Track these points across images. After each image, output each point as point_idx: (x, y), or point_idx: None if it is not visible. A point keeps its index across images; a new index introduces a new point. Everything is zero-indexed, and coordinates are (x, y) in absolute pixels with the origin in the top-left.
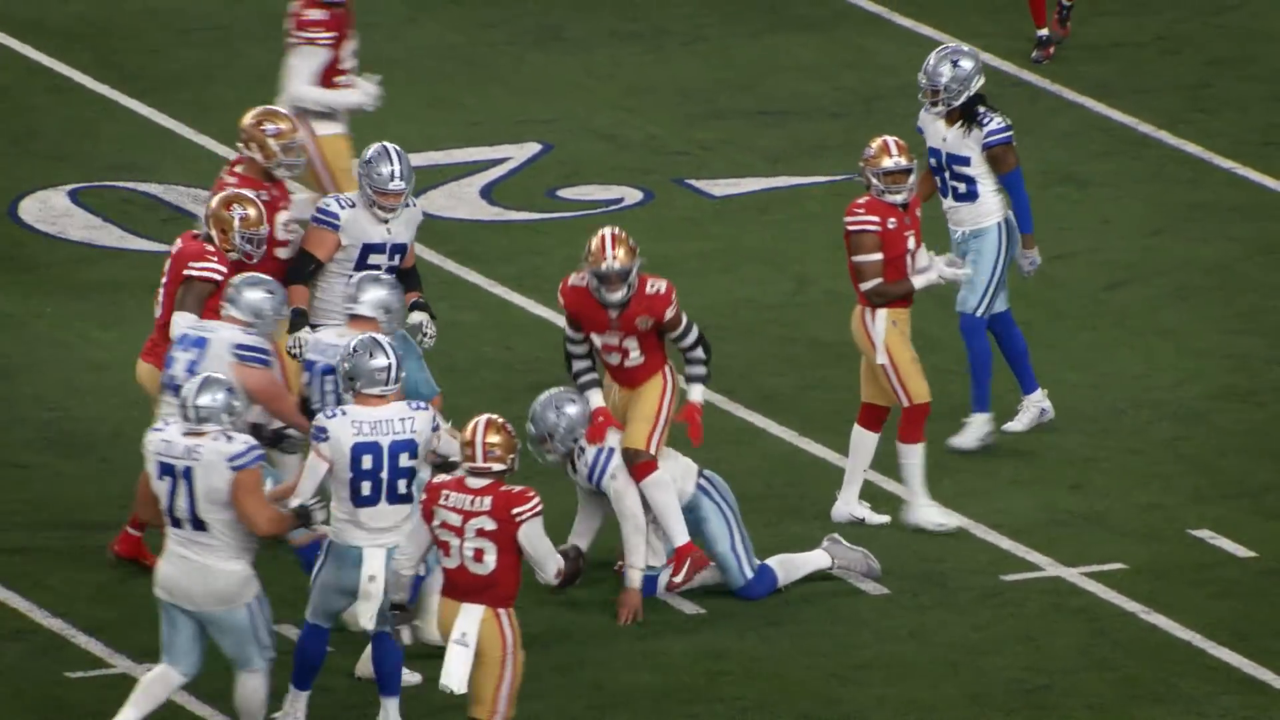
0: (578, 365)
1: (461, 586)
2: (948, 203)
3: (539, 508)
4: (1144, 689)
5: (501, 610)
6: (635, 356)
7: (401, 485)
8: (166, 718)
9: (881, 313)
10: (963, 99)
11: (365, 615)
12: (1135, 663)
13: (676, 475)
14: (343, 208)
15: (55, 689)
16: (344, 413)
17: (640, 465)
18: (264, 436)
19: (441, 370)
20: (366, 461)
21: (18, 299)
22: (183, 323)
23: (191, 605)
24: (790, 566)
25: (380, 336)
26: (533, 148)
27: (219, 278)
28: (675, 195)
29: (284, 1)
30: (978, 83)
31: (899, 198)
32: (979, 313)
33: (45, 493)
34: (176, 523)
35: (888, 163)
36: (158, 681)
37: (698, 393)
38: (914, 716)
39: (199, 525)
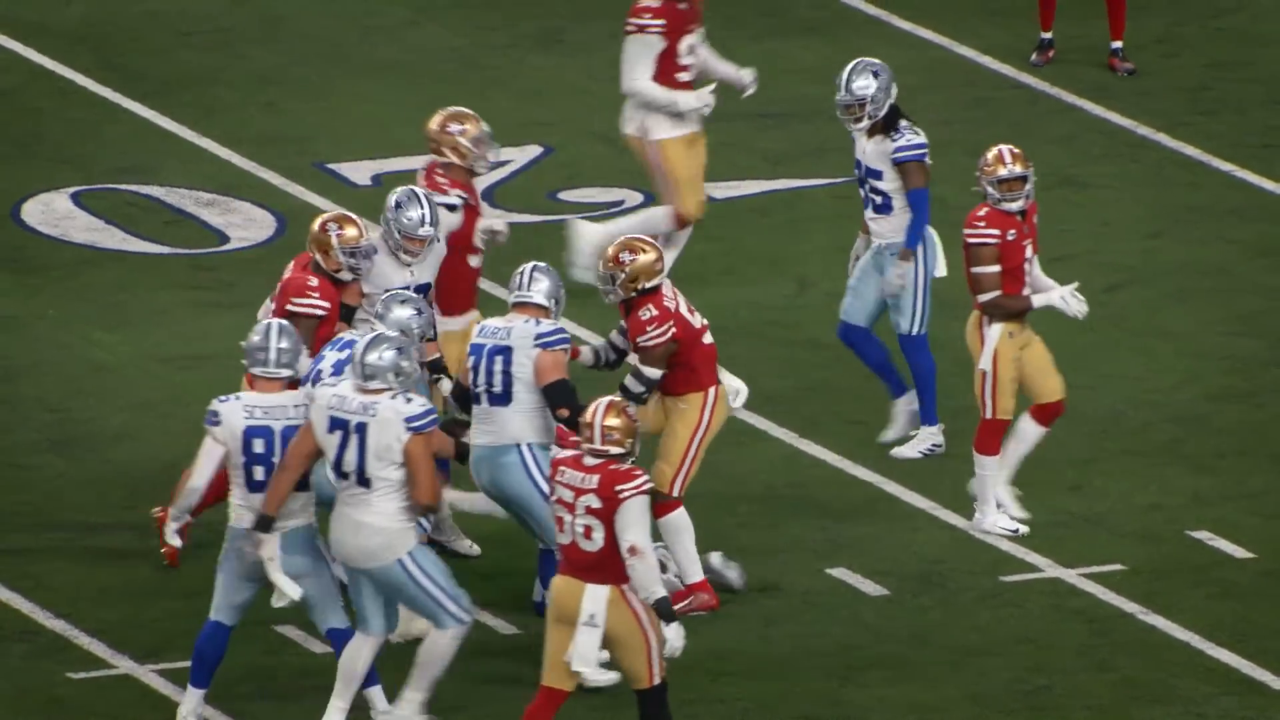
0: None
1: (575, 563)
2: (868, 214)
3: (645, 486)
4: (1143, 690)
5: (625, 586)
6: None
7: (259, 471)
8: None
9: (999, 323)
10: (885, 110)
11: (276, 597)
12: (1134, 663)
13: None
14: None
15: (57, 689)
16: (237, 398)
17: (660, 505)
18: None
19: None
20: (258, 445)
21: (21, 301)
22: None
23: (351, 563)
24: None
25: (281, 322)
26: (534, 150)
27: (322, 312)
28: None
29: (285, 4)
30: (895, 92)
31: (1015, 205)
32: (914, 331)
33: (48, 494)
34: (343, 476)
35: (1003, 171)
36: (353, 655)
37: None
38: (914, 717)
39: (364, 481)
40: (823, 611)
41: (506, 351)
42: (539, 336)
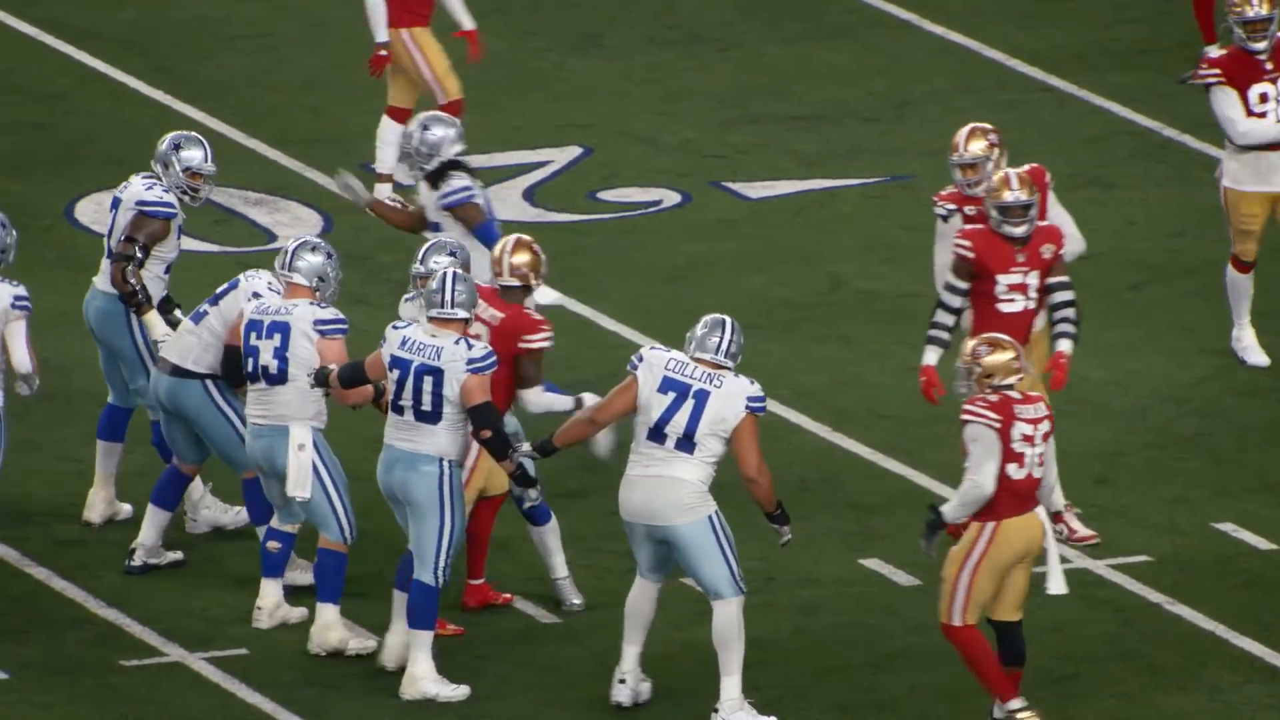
0: (941, 318)
1: (1030, 494)
2: None
3: None
4: (1169, 678)
5: None
6: (1033, 295)
7: None
8: (216, 707)
9: None
10: (433, 164)
11: None
12: (1160, 652)
13: None
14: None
15: (110, 677)
16: None
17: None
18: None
19: None
20: None
21: (73, 298)
22: (538, 401)
23: (656, 521)
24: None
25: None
26: (573, 151)
27: (551, 344)
28: (712, 197)
29: (330, 9)
30: (452, 149)
31: None
32: None
33: None
34: (661, 437)
35: None
36: (638, 600)
37: (1067, 345)
38: (946, 704)
39: (687, 445)
40: (856, 601)
41: (438, 374)
42: (470, 362)
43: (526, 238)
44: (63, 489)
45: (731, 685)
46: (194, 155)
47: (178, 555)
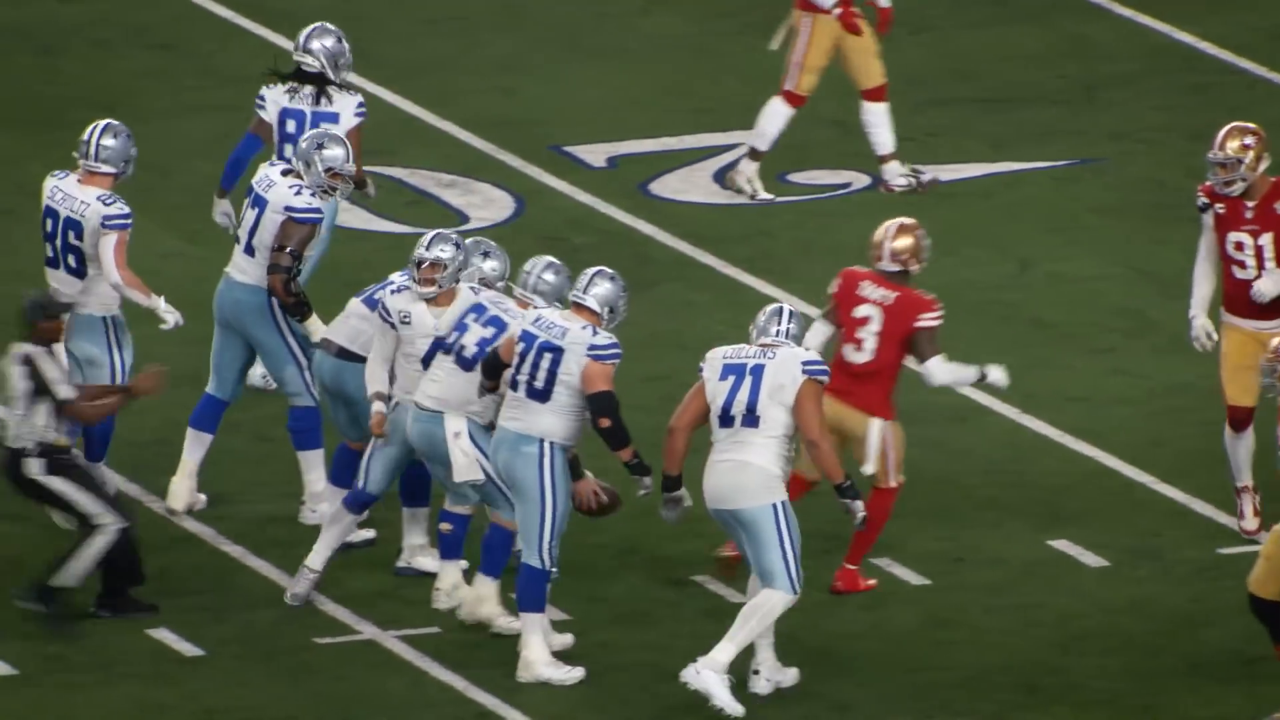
0: None
1: None
2: None
3: None
4: None
5: None
6: None
7: (71, 259)
8: (409, 685)
9: None
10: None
11: None
12: None
13: None
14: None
15: (304, 654)
16: (61, 177)
17: None
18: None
19: (673, 348)
20: (48, 225)
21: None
22: (942, 371)
23: (726, 504)
24: None
25: (111, 122)
26: None
27: (943, 321)
28: None
29: None
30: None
31: None
32: None
33: (293, 464)
34: (729, 420)
35: None
36: (754, 594)
37: None
38: (1133, 684)
39: (751, 420)
40: (1044, 582)
41: (558, 352)
42: (593, 347)
43: (910, 222)
44: (257, 467)
45: (727, 650)
46: (337, 154)
47: (370, 534)
